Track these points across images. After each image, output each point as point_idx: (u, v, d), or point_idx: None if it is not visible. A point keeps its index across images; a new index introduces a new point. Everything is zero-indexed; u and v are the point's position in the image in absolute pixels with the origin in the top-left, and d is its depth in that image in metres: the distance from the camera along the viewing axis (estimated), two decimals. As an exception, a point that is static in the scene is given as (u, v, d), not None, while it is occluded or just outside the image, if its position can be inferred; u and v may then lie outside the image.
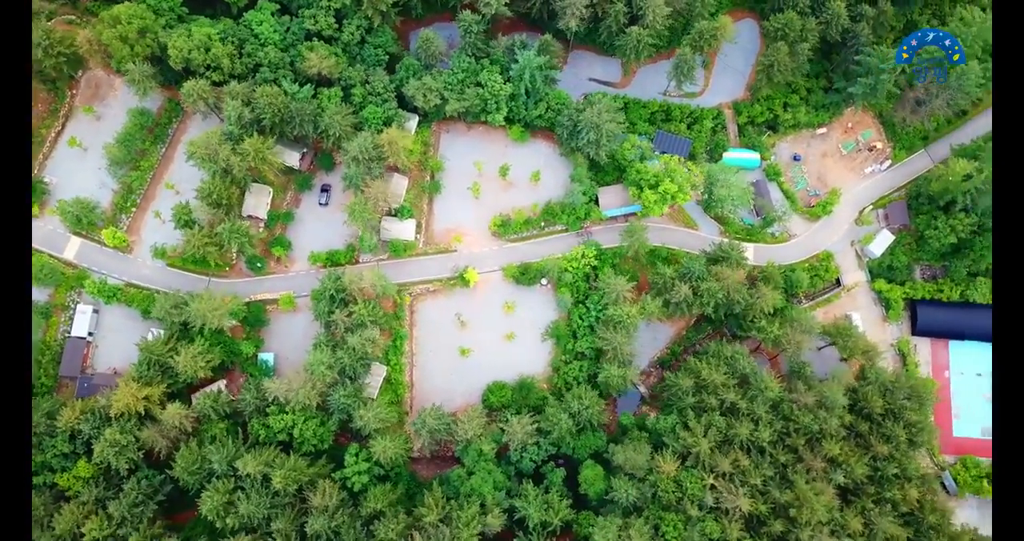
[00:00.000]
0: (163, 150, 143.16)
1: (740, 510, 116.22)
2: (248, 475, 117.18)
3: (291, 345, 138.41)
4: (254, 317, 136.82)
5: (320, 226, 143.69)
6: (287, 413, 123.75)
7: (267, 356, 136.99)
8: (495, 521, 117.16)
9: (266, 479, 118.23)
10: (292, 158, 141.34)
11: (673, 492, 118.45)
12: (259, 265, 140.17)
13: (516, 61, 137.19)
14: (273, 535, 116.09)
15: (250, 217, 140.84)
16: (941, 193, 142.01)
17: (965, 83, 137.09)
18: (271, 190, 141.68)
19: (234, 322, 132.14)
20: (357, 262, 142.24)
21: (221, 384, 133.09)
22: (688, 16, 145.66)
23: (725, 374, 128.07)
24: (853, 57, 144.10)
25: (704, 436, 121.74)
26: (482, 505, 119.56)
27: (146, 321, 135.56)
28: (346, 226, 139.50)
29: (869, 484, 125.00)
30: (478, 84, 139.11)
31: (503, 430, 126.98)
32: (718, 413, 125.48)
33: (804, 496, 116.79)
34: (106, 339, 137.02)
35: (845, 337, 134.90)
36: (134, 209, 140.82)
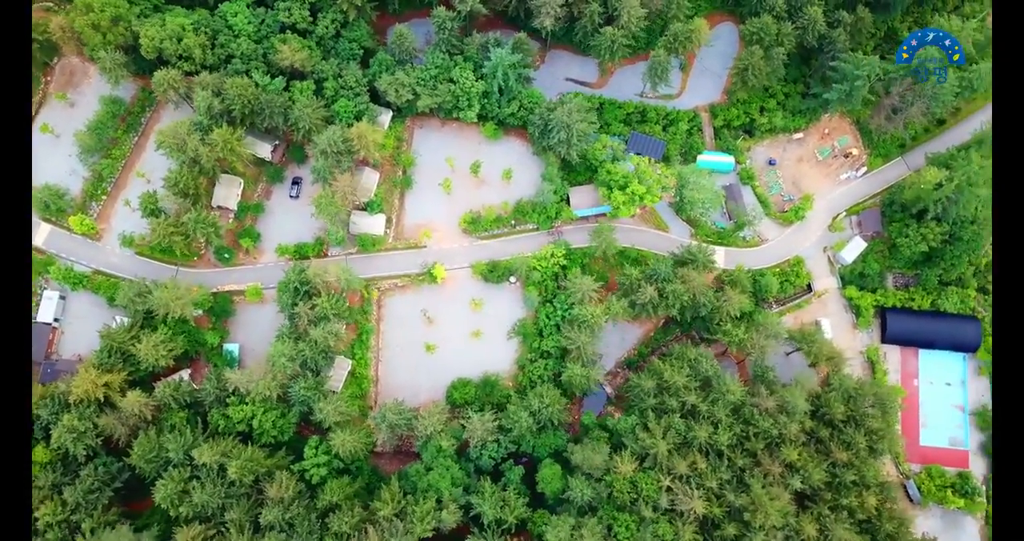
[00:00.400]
0: (135, 139, 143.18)
1: (694, 512, 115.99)
2: (204, 465, 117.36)
3: (257, 336, 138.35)
4: (220, 307, 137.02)
5: (290, 218, 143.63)
6: (247, 404, 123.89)
7: (232, 347, 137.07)
8: (450, 517, 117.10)
9: (222, 469, 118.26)
10: (263, 150, 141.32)
11: (628, 493, 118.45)
12: (227, 256, 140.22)
13: (489, 59, 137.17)
14: (227, 525, 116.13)
15: (220, 208, 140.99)
16: (913, 201, 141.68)
17: (940, 92, 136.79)
18: (242, 181, 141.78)
19: (198, 312, 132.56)
20: (326, 255, 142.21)
21: (184, 373, 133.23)
22: (665, 18, 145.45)
23: (687, 376, 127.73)
24: (830, 63, 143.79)
25: (663, 438, 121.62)
26: (439, 501, 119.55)
27: (112, 309, 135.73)
28: (316, 219, 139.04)
29: (826, 490, 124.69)
30: (450, 80, 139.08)
31: (464, 427, 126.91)
32: (678, 415, 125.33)
33: (759, 500, 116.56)
34: (72, 326, 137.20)
35: (811, 343, 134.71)
36: (104, 197, 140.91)
